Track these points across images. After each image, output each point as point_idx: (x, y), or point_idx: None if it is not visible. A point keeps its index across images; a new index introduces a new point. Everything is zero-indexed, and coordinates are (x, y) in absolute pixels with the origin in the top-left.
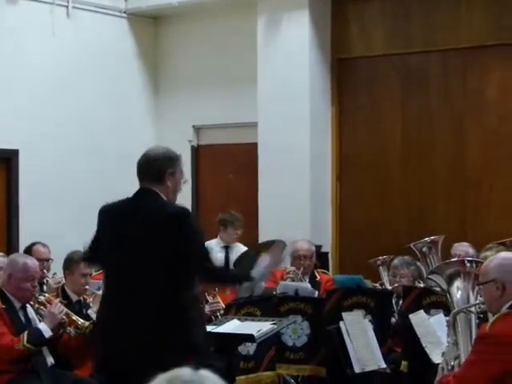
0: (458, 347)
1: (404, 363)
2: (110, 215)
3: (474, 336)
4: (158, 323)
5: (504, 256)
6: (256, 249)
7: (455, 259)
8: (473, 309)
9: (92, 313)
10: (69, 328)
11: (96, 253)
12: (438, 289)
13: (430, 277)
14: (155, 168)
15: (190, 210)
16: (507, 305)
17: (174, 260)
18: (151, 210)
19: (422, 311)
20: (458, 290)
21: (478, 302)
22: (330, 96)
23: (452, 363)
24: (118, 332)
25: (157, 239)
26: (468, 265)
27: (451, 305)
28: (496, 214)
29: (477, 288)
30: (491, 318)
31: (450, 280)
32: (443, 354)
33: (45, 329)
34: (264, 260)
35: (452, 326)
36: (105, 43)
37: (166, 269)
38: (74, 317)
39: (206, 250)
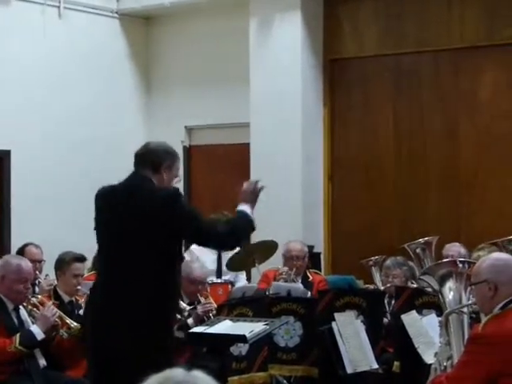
0: (451, 348)
1: (396, 364)
2: (105, 200)
3: (466, 336)
4: (147, 312)
5: (496, 257)
6: (248, 249)
7: (447, 260)
8: (465, 309)
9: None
10: (61, 330)
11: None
12: (430, 289)
13: (421, 277)
14: (154, 157)
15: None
16: (499, 305)
17: (167, 244)
18: (144, 196)
19: (414, 311)
20: (450, 291)
21: (470, 302)
22: (322, 96)
23: (445, 364)
24: (109, 321)
25: (151, 225)
26: (460, 265)
27: (443, 305)
28: (489, 215)
29: (469, 288)
30: (483, 319)
31: (442, 281)
32: (436, 354)
33: (37, 331)
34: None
35: (444, 326)
36: (97, 44)
37: (158, 255)
38: (68, 320)
39: (208, 219)
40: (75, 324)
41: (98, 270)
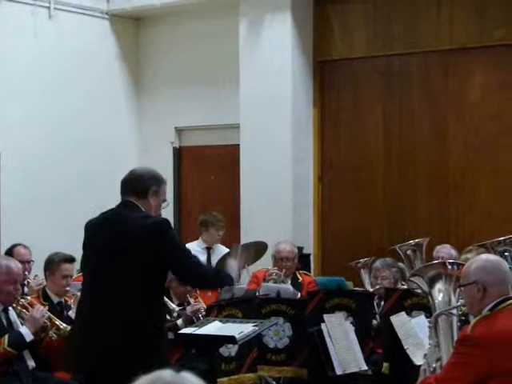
0: (440, 349)
1: (385, 365)
2: (94, 228)
3: (455, 338)
4: (133, 333)
5: (485, 258)
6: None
7: (436, 261)
8: (454, 311)
9: (73, 314)
10: (50, 332)
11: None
12: (419, 291)
13: (411, 279)
14: (140, 183)
15: (169, 220)
16: (488, 307)
17: (151, 271)
18: (132, 222)
19: (403, 313)
20: (439, 293)
21: (459, 304)
22: (312, 98)
23: (434, 365)
24: (95, 340)
25: (137, 251)
26: (449, 267)
27: (433, 307)
28: (478, 216)
29: (458, 290)
30: (473, 320)
31: (431, 282)
32: (425, 356)
33: (26, 333)
34: (232, 264)
35: (434, 328)
36: (87, 44)
37: (144, 280)
38: (57, 321)
39: (191, 254)
40: (64, 325)
41: (84, 298)
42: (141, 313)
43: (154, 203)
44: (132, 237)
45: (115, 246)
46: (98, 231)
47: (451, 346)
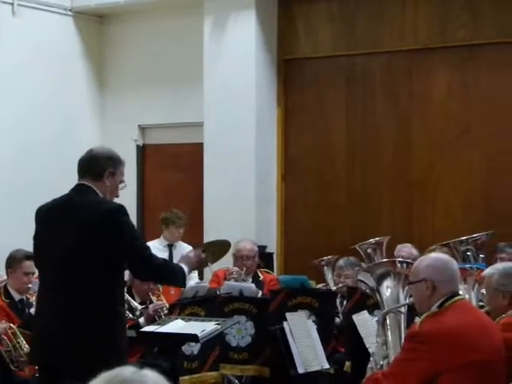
0: (388, 347)
1: (347, 364)
2: (45, 213)
3: (403, 336)
4: (89, 324)
5: (435, 256)
6: (201, 248)
7: (386, 259)
8: (402, 309)
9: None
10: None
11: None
12: (368, 290)
13: (359, 277)
14: (96, 165)
15: (125, 208)
16: (437, 304)
17: (105, 259)
18: (86, 207)
19: (365, 312)
20: (387, 289)
21: (407, 301)
22: (276, 96)
23: (381, 363)
24: (50, 334)
25: (88, 239)
26: (399, 265)
27: (380, 304)
28: (441, 215)
29: (407, 288)
30: (421, 317)
31: (379, 279)
32: (372, 353)
33: None
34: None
35: (381, 325)
36: (50, 41)
37: (96, 269)
38: (20, 339)
39: (145, 245)
40: (25, 347)
41: (40, 284)
42: (96, 303)
43: (109, 185)
44: (85, 224)
45: (68, 235)
46: (50, 219)
47: (399, 343)
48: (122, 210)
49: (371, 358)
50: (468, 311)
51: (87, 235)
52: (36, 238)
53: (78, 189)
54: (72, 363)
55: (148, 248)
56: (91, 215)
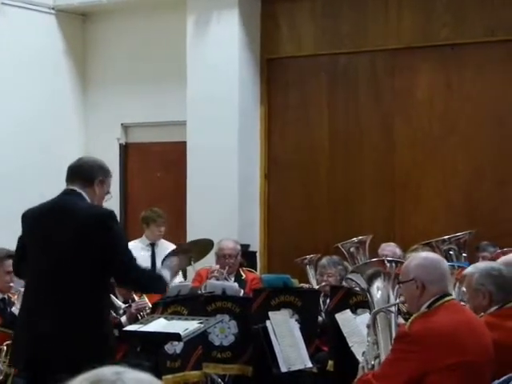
0: (378, 346)
1: (330, 363)
2: (33, 218)
3: (393, 335)
4: (76, 326)
5: (425, 256)
6: (185, 247)
7: (375, 259)
8: (393, 308)
9: (16, 310)
10: None
11: (22, 262)
12: (357, 288)
13: (349, 276)
14: (88, 171)
15: (115, 213)
16: (426, 304)
17: (95, 262)
18: (77, 212)
19: (348, 311)
20: (378, 290)
21: (398, 301)
22: (259, 95)
23: (372, 362)
24: (37, 333)
25: (80, 241)
26: (388, 265)
27: (371, 304)
28: (424, 214)
29: (397, 287)
30: (411, 318)
31: (370, 280)
32: (363, 353)
33: None
34: (173, 261)
35: (372, 325)
36: (33, 40)
37: (87, 271)
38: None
39: (131, 254)
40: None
41: (28, 288)
42: (83, 306)
43: (98, 192)
44: (75, 228)
45: (58, 238)
46: (38, 222)
47: (390, 343)
48: (112, 215)
49: (362, 358)
50: (458, 312)
51: (77, 238)
52: (23, 239)
53: (67, 193)
54: (60, 362)
55: (134, 258)
56: (82, 219)
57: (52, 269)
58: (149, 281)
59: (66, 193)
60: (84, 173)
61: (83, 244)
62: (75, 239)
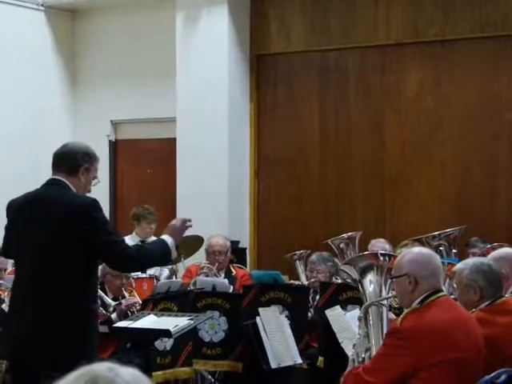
0: (369, 340)
1: (320, 359)
2: (18, 208)
3: (385, 329)
4: (60, 318)
5: (418, 251)
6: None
7: (369, 252)
8: (385, 302)
9: (6, 307)
10: None
11: (10, 247)
12: (349, 280)
13: (342, 268)
14: (72, 160)
15: (99, 202)
16: (418, 299)
17: (81, 253)
18: (59, 202)
19: (338, 307)
20: (370, 283)
21: (390, 295)
22: (248, 92)
23: (363, 355)
24: (22, 327)
25: (63, 234)
26: (381, 258)
27: (363, 297)
28: (413, 211)
29: (389, 282)
30: (403, 313)
31: (362, 273)
32: (354, 345)
33: None
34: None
35: (364, 318)
36: (22, 36)
37: (72, 262)
38: None
39: (120, 237)
40: None
41: (13, 284)
42: (70, 299)
43: (84, 180)
44: (58, 219)
45: (41, 230)
46: (23, 214)
47: (381, 336)
48: (95, 203)
49: (353, 350)
50: (450, 308)
51: (61, 230)
52: (8, 231)
53: (50, 183)
54: (45, 359)
55: (123, 240)
56: (65, 210)
57: (34, 264)
58: (147, 257)
59: (49, 183)
60: (68, 161)
61: (66, 236)
62: (58, 232)
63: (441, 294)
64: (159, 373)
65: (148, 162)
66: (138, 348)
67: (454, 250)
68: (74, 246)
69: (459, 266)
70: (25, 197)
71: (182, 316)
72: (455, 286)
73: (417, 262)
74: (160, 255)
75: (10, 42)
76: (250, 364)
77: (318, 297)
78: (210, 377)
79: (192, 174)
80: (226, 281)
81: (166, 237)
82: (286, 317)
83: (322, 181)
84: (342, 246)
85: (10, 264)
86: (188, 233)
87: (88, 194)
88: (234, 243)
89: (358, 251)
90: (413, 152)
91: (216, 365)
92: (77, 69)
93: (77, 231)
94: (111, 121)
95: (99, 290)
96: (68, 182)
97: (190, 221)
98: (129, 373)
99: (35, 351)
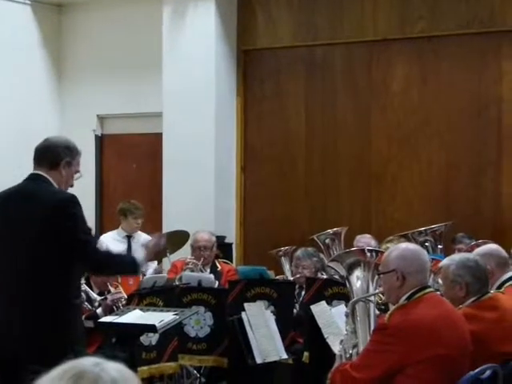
0: (357, 336)
1: (306, 354)
2: None
3: (372, 325)
4: (43, 314)
5: (405, 247)
6: (163, 234)
7: (356, 248)
8: (372, 298)
9: None
10: None
11: None
12: (337, 277)
13: (329, 264)
14: (53, 154)
15: (77, 197)
16: (406, 295)
17: (61, 248)
18: (39, 198)
19: (323, 302)
20: (357, 280)
21: (377, 291)
22: (235, 87)
23: (350, 351)
24: (5, 323)
25: (44, 229)
26: (368, 254)
27: (351, 293)
28: (399, 207)
29: (376, 278)
30: (390, 309)
31: (350, 269)
32: (341, 342)
33: None
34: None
35: (351, 314)
36: (8, 30)
37: (53, 258)
38: None
39: (91, 237)
40: None
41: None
42: (52, 294)
43: (65, 174)
44: (38, 215)
45: (21, 226)
46: (3, 209)
47: (368, 333)
48: (74, 199)
49: (340, 347)
50: (437, 304)
51: (40, 226)
52: None
53: (31, 178)
54: (29, 354)
55: (93, 242)
56: (44, 206)
57: (15, 260)
58: (114, 262)
59: (30, 178)
60: (49, 156)
61: (46, 232)
62: (37, 227)
63: (428, 290)
64: (144, 368)
65: (134, 157)
66: (124, 343)
67: (439, 246)
68: (53, 242)
69: (445, 261)
70: (5, 192)
71: (168, 311)
72: (440, 281)
73: (405, 258)
74: (126, 266)
75: None
76: (235, 359)
77: (303, 292)
78: (195, 372)
79: (178, 168)
80: (212, 276)
81: (139, 257)
82: (272, 312)
83: (308, 176)
84: (327, 241)
85: None
86: (174, 228)
87: (73, 189)
88: (220, 238)
89: (344, 247)
90: (399, 148)
91: (201, 360)
92: (63, 63)
93: (55, 227)
94: (97, 115)
95: (85, 285)
96: (49, 177)
97: (164, 237)
98: (115, 368)
99: (22, 347)
